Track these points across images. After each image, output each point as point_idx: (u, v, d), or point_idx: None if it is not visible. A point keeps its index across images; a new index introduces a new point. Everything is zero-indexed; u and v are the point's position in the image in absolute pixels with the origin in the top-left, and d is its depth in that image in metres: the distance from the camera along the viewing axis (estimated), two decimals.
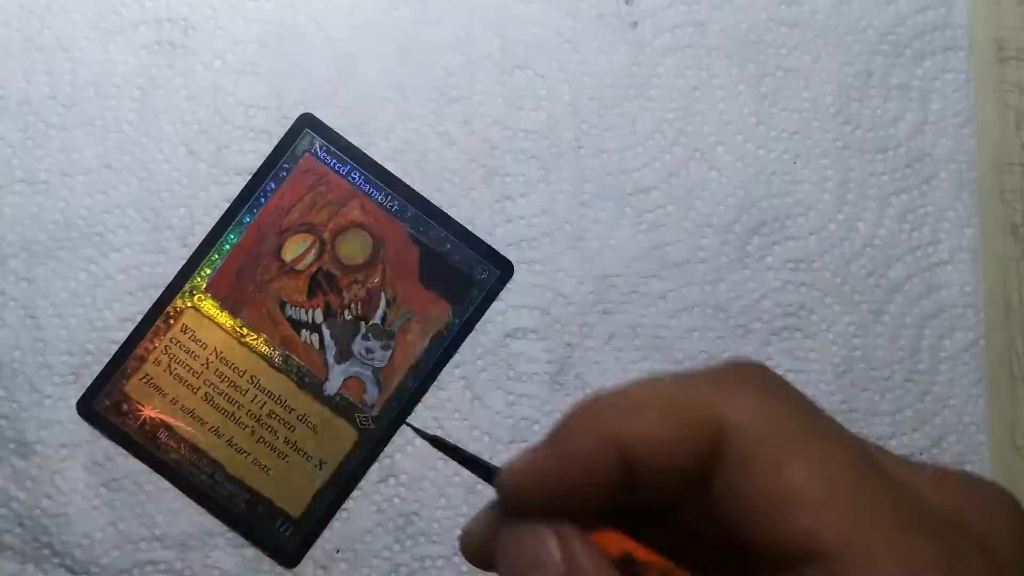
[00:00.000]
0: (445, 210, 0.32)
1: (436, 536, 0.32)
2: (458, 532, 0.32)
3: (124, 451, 0.31)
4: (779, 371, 0.33)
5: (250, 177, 0.32)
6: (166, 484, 0.31)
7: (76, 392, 0.31)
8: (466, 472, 0.31)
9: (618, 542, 0.18)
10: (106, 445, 0.31)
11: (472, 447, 0.31)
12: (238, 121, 0.32)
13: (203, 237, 0.31)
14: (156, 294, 0.31)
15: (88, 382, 0.31)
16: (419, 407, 0.32)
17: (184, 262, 0.31)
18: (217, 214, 0.32)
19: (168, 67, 0.32)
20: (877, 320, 0.33)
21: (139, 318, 0.31)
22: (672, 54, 0.33)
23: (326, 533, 0.31)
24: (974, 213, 0.33)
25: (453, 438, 0.31)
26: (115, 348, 0.31)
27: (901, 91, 0.34)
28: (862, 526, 0.16)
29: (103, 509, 0.31)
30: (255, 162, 0.32)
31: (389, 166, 0.32)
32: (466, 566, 0.32)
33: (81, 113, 0.32)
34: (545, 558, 0.18)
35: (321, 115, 0.32)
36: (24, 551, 0.31)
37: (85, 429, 0.31)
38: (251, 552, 0.31)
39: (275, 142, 0.32)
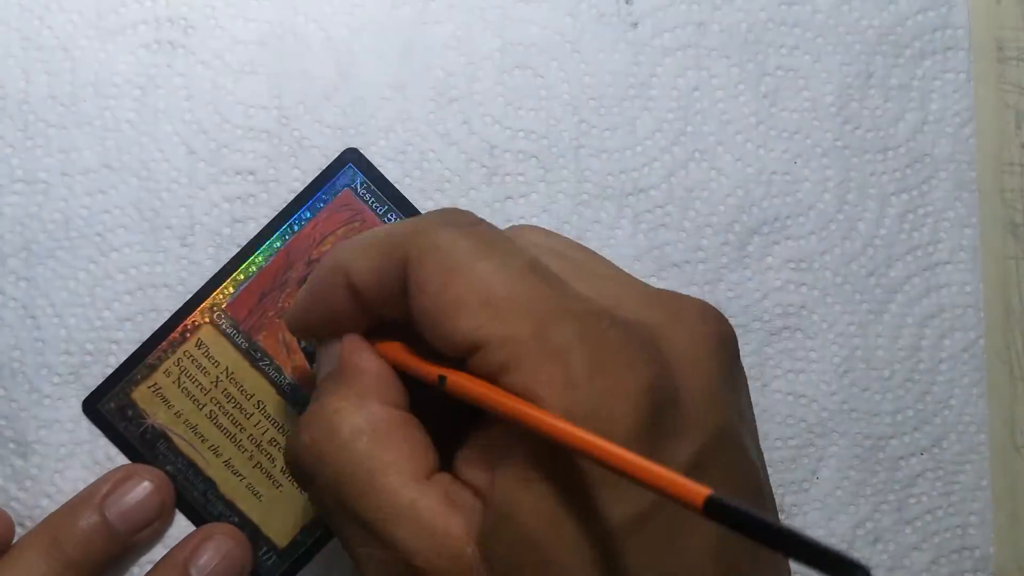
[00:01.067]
0: None
1: None
2: None
3: (124, 455, 0.31)
4: (779, 371, 0.33)
5: (290, 200, 0.32)
6: None
7: (76, 392, 0.31)
8: None
9: (394, 347, 0.23)
10: (105, 445, 0.31)
11: None
12: (238, 121, 0.32)
13: (233, 253, 0.31)
14: (155, 294, 0.31)
15: (89, 382, 0.31)
16: None
17: (209, 276, 0.31)
18: (217, 213, 0.32)
19: (168, 67, 0.32)
20: (877, 320, 0.33)
21: (139, 319, 0.31)
22: (672, 54, 0.33)
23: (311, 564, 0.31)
24: (974, 213, 0.34)
25: None
26: (115, 347, 0.31)
27: (901, 91, 0.34)
28: (512, 321, 0.20)
29: None
30: (255, 162, 0.32)
31: (389, 166, 0.32)
32: None
33: (81, 113, 0.32)
34: (332, 356, 0.24)
35: (321, 115, 0.32)
36: None
37: (85, 429, 0.31)
38: None
39: (274, 143, 0.32)
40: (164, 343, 0.31)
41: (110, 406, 0.31)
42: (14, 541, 0.29)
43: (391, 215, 0.32)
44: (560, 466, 0.19)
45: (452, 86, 0.33)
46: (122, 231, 0.32)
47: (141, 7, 0.32)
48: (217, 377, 0.31)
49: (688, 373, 0.20)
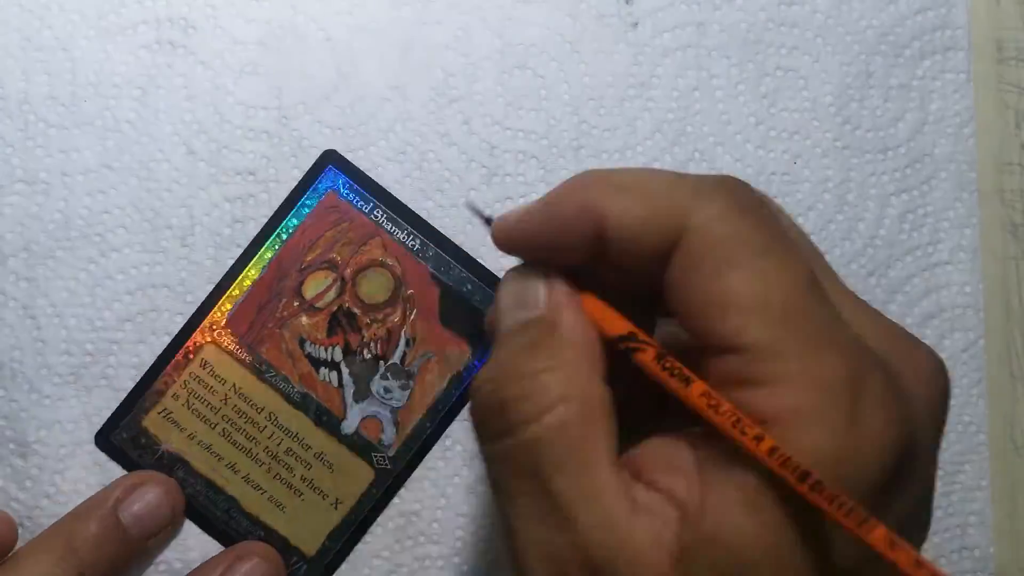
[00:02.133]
0: (464, 248, 0.32)
1: (436, 536, 0.32)
2: (459, 532, 0.32)
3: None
4: None
5: (277, 205, 0.32)
6: None
7: (76, 392, 0.31)
8: (466, 471, 0.32)
9: (605, 308, 0.21)
10: None
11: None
12: (238, 121, 0.32)
13: (233, 254, 0.32)
14: (155, 294, 0.31)
15: (88, 383, 0.31)
16: (436, 447, 0.32)
17: (207, 279, 0.31)
18: (217, 213, 0.32)
19: (168, 67, 0.32)
20: None
21: (139, 319, 0.31)
22: (672, 54, 0.33)
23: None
24: (974, 213, 0.34)
25: (472, 474, 0.32)
26: (115, 347, 0.31)
27: (901, 91, 0.34)
28: (781, 333, 0.18)
29: None
30: (255, 163, 0.32)
31: (389, 167, 0.32)
32: (466, 565, 0.32)
33: (81, 113, 0.32)
34: (531, 299, 0.21)
35: (321, 115, 0.32)
36: None
37: (84, 430, 0.31)
38: None
39: (274, 143, 0.32)
40: (169, 367, 0.31)
41: (122, 436, 0.31)
42: (19, 544, 0.29)
43: (376, 211, 0.32)
44: (789, 498, 0.18)
45: (452, 86, 0.33)
46: (122, 231, 0.32)
47: (141, 7, 0.32)
48: (225, 395, 0.31)
49: (923, 428, 0.19)
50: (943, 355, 0.33)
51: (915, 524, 0.20)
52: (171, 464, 0.31)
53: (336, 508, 0.31)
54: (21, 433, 0.31)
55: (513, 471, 0.20)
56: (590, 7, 0.33)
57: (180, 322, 0.31)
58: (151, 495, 0.30)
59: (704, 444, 0.19)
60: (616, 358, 0.21)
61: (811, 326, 0.18)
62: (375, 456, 0.31)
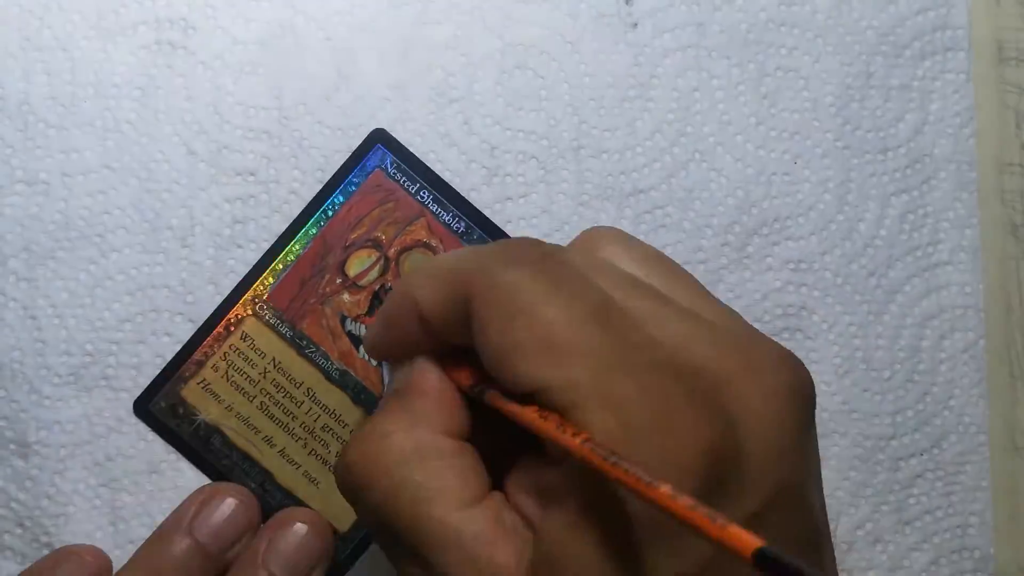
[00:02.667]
0: (522, 232, 0.32)
1: None
2: None
3: (126, 455, 0.31)
4: None
5: (319, 188, 0.32)
6: (167, 484, 0.31)
7: (76, 392, 0.31)
8: None
9: (463, 373, 0.23)
10: (105, 446, 0.31)
11: None
12: (238, 121, 0.32)
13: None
14: (155, 295, 0.31)
15: (88, 383, 0.31)
16: None
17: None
18: (217, 214, 0.32)
19: (168, 67, 0.32)
20: (878, 320, 0.33)
21: (139, 319, 0.31)
22: (672, 55, 0.33)
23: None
24: (974, 214, 0.34)
25: None
26: (115, 348, 0.31)
27: (901, 91, 0.34)
28: (572, 368, 0.19)
29: (103, 509, 0.31)
30: (255, 163, 0.32)
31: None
32: None
33: (81, 113, 0.32)
34: (398, 377, 0.24)
35: (321, 115, 0.32)
36: (24, 551, 0.31)
37: (84, 430, 0.31)
38: None
39: (274, 143, 0.32)
40: (209, 339, 0.31)
41: (161, 405, 0.31)
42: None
43: (423, 192, 0.32)
44: (613, 517, 0.19)
45: (452, 86, 0.33)
46: (122, 232, 0.32)
47: (141, 7, 0.32)
48: (265, 368, 0.31)
49: (754, 428, 0.19)
50: (942, 355, 0.33)
51: (776, 525, 0.19)
52: (208, 435, 0.31)
53: None
54: (21, 434, 0.31)
55: (377, 528, 0.22)
56: (590, 7, 0.33)
57: (180, 322, 0.31)
58: (225, 506, 0.30)
59: (543, 468, 0.21)
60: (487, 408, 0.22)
61: (597, 354, 0.19)
62: None
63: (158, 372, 0.31)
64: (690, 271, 0.32)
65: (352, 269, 0.32)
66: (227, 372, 0.31)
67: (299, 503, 0.31)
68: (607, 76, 0.33)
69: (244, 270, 0.32)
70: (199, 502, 0.30)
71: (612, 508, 0.19)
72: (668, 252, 0.33)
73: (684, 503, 0.17)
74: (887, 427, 0.33)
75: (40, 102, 0.32)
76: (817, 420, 0.33)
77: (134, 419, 0.31)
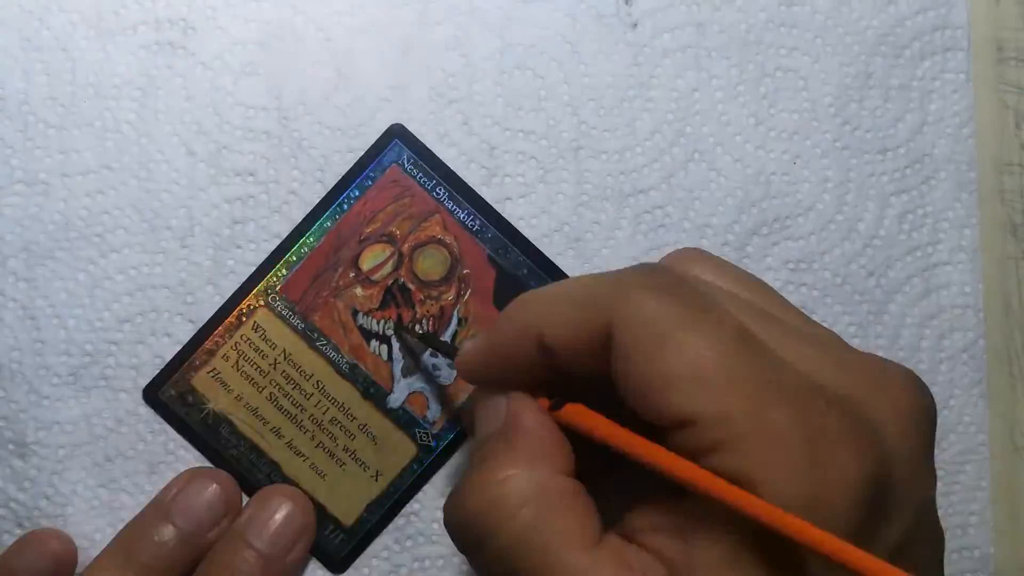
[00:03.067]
0: (523, 232, 0.32)
1: (436, 536, 0.32)
2: None
3: (125, 455, 0.31)
4: None
5: (336, 181, 0.32)
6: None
7: (75, 392, 0.31)
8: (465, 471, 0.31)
9: (574, 409, 0.22)
10: (104, 446, 0.31)
11: None
12: (237, 121, 0.32)
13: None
14: (155, 295, 0.31)
15: (88, 383, 0.31)
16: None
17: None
18: (217, 214, 0.32)
19: (168, 67, 0.32)
20: (877, 320, 0.33)
21: (138, 319, 0.31)
22: (672, 55, 0.33)
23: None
24: (974, 213, 0.34)
25: None
26: (114, 348, 0.31)
27: (901, 91, 0.34)
28: (726, 399, 0.19)
29: (102, 510, 0.31)
30: (255, 163, 0.32)
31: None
32: (466, 566, 0.32)
33: (80, 113, 0.32)
34: (492, 414, 0.23)
35: (321, 116, 0.32)
36: None
37: (83, 430, 0.31)
38: None
39: (274, 143, 0.32)
40: (220, 328, 0.31)
41: (170, 393, 0.31)
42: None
43: (439, 189, 0.32)
44: (769, 550, 0.19)
45: (452, 86, 0.33)
46: (122, 232, 0.32)
47: (141, 8, 0.32)
48: (275, 359, 0.31)
49: (897, 451, 0.20)
50: (942, 355, 0.33)
51: (912, 549, 0.20)
52: (216, 424, 0.31)
53: (376, 480, 0.31)
54: (20, 434, 0.31)
55: (501, 574, 0.21)
56: (590, 7, 0.33)
57: (180, 322, 0.31)
58: (205, 490, 0.30)
59: (682, 505, 0.20)
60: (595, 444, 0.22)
61: (750, 383, 0.19)
62: (418, 432, 0.31)
63: (168, 360, 0.31)
64: None
65: (366, 263, 0.32)
66: (237, 362, 0.31)
67: (305, 494, 0.31)
68: (607, 76, 0.33)
69: (243, 270, 0.32)
70: (179, 485, 0.30)
71: (767, 543, 0.19)
72: (668, 252, 0.33)
73: (851, 551, 0.17)
74: None
75: (40, 102, 0.32)
76: None
77: (135, 418, 0.31)
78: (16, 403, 0.31)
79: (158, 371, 0.31)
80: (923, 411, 0.21)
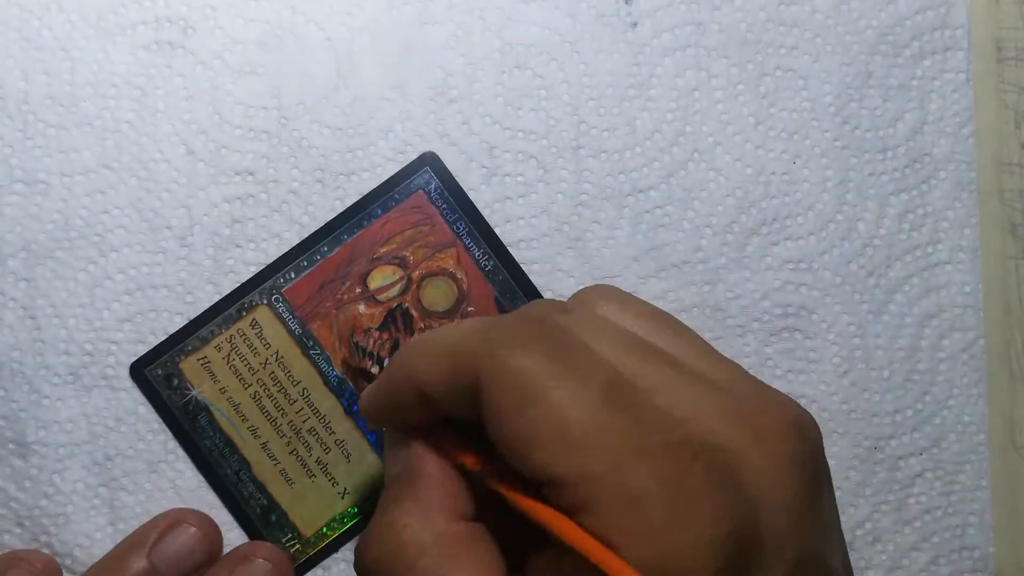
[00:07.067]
0: (534, 281, 0.32)
1: None
2: None
3: (125, 455, 0.31)
4: (779, 371, 0.33)
5: (359, 197, 0.32)
6: (166, 484, 0.31)
7: (75, 392, 0.31)
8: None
9: (469, 456, 0.22)
10: (104, 446, 0.31)
11: None
12: (237, 121, 0.32)
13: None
14: (155, 294, 0.31)
15: (88, 383, 0.31)
16: None
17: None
18: (216, 214, 0.32)
19: (167, 67, 0.32)
20: (877, 320, 0.33)
21: (138, 319, 0.31)
22: (672, 54, 0.33)
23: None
24: (973, 213, 0.34)
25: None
26: (114, 348, 0.31)
27: (900, 91, 0.34)
28: (586, 459, 0.19)
29: (102, 509, 0.31)
30: (255, 163, 0.32)
31: (390, 167, 0.32)
32: None
33: (80, 113, 0.32)
34: (395, 457, 0.24)
35: (321, 115, 0.32)
36: None
37: (84, 430, 0.31)
38: None
39: (274, 143, 0.32)
40: (219, 318, 0.31)
41: (156, 372, 0.31)
42: None
43: (460, 223, 0.32)
44: None
45: (452, 86, 0.33)
46: (121, 231, 0.32)
47: (140, 7, 0.32)
48: (266, 359, 0.31)
49: (770, 504, 0.19)
50: (942, 355, 0.33)
51: None
52: (196, 412, 0.31)
53: (343, 498, 0.31)
54: (20, 433, 0.31)
55: None
56: (590, 7, 0.33)
57: (180, 322, 0.31)
58: (187, 536, 0.30)
59: (570, 561, 0.20)
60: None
61: (611, 443, 0.19)
62: None
63: (160, 340, 0.31)
64: (689, 271, 0.33)
65: (374, 282, 0.32)
66: (229, 354, 0.31)
67: (270, 499, 0.31)
68: (607, 76, 0.33)
69: (243, 269, 0.32)
70: (163, 526, 0.30)
71: None
72: (667, 252, 0.33)
73: None
74: (886, 427, 0.33)
75: (39, 102, 0.32)
76: (817, 420, 0.33)
77: (134, 417, 0.31)
78: (16, 402, 0.31)
79: (149, 349, 0.31)
80: (803, 457, 0.20)
